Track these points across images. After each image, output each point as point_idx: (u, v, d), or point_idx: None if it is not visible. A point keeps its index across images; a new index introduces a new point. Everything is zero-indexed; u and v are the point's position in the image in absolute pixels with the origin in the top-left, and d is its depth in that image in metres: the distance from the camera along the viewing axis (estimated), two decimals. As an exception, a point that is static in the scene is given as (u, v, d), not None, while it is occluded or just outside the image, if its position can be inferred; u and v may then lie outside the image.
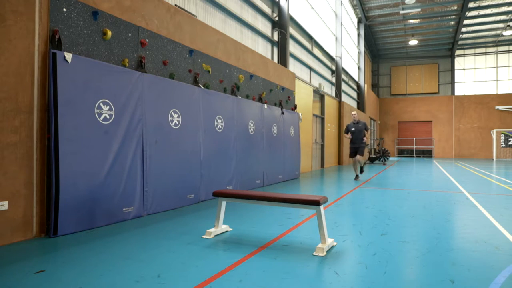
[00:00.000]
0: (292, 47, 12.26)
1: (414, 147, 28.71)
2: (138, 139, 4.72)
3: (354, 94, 22.90)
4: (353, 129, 9.58)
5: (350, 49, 21.10)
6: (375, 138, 27.81)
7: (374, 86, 29.90)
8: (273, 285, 2.46)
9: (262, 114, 8.43)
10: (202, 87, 6.22)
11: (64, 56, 3.79)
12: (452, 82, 27.91)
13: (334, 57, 17.60)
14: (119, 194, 4.40)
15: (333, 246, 3.40)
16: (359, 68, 23.77)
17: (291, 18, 11.89)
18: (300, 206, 3.42)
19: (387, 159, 19.28)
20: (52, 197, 3.66)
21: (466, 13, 21.09)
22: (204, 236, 3.72)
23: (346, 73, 20.47)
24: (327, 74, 16.57)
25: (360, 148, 9.47)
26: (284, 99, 10.02)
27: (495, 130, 25.33)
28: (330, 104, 16.22)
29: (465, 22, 22.64)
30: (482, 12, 21.19)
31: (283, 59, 10.81)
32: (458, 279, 2.59)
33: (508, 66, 26.81)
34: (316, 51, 14.76)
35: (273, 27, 10.78)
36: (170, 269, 2.74)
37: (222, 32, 7.59)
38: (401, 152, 29.17)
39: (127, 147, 4.54)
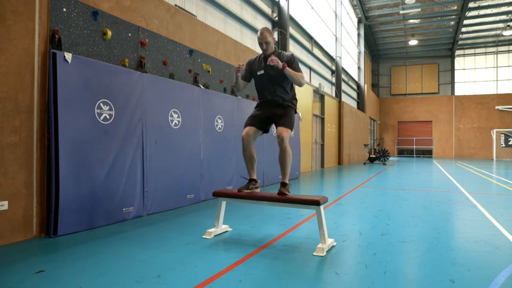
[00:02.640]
0: (292, 47, 12.25)
1: (414, 147, 28.71)
2: (138, 139, 4.72)
3: (354, 94, 22.90)
4: (261, 72, 3.80)
5: (350, 49, 21.09)
6: (375, 138, 27.80)
7: (374, 86, 29.89)
8: (273, 285, 2.46)
9: (262, 114, 8.42)
10: (202, 87, 6.22)
11: (64, 56, 3.79)
12: (452, 82, 27.91)
13: (334, 57, 17.59)
14: (119, 194, 4.40)
15: (333, 246, 3.40)
16: (359, 68, 23.76)
17: (291, 18, 11.89)
18: (300, 206, 3.42)
19: (387, 159, 19.28)
20: (52, 197, 3.66)
21: (466, 13, 21.09)
22: (204, 236, 3.72)
23: (346, 73, 20.46)
24: (327, 74, 16.56)
25: (276, 116, 3.76)
26: (284, 99, 10.00)
27: (495, 130, 25.32)
28: (330, 104, 16.22)
29: (465, 22, 22.64)
30: (482, 12, 21.18)
31: (283, 59, 10.78)
32: (458, 279, 2.59)
33: (508, 66, 26.80)
34: (316, 51, 14.76)
35: (273, 27, 10.78)
36: (170, 269, 2.74)
37: (222, 32, 7.59)
38: (401, 152, 29.16)
39: (127, 147, 4.54)
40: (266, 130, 3.94)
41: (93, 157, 4.08)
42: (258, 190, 3.86)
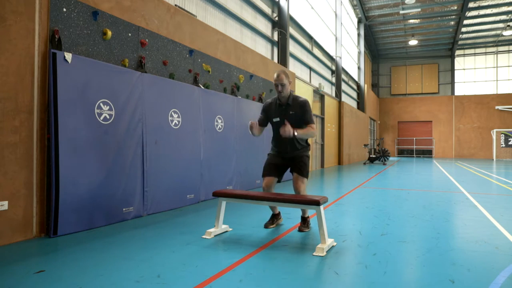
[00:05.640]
0: (292, 47, 12.25)
1: (414, 147, 28.71)
2: (138, 139, 4.72)
3: (354, 94, 22.90)
4: (277, 120, 3.90)
5: (350, 49, 21.10)
6: (375, 138, 27.80)
7: (374, 86, 29.90)
8: (273, 285, 2.46)
9: (262, 114, 8.42)
10: (202, 87, 6.22)
11: (64, 56, 3.79)
12: (452, 82, 27.91)
13: (334, 57, 17.59)
14: (119, 194, 4.40)
15: (333, 246, 3.40)
16: (359, 68, 23.76)
17: (291, 18, 11.89)
18: (300, 206, 3.43)
19: (387, 159, 19.28)
20: (52, 197, 3.66)
21: (466, 13, 21.09)
22: (204, 236, 3.72)
23: (346, 73, 20.46)
24: (327, 74, 16.56)
25: (296, 159, 3.95)
26: (284, 99, 10.00)
27: (495, 130, 25.32)
28: (330, 104, 16.22)
29: (465, 22, 22.64)
30: (482, 12, 21.19)
31: (283, 59, 10.81)
32: (458, 279, 2.59)
33: (508, 66, 26.80)
34: (316, 51, 14.76)
35: (273, 27, 10.78)
36: (170, 269, 2.74)
37: (222, 32, 7.59)
38: (401, 152, 29.17)
39: (127, 147, 4.54)
40: (280, 179, 4.07)
41: (93, 157, 4.08)
42: (280, 221, 4.35)
